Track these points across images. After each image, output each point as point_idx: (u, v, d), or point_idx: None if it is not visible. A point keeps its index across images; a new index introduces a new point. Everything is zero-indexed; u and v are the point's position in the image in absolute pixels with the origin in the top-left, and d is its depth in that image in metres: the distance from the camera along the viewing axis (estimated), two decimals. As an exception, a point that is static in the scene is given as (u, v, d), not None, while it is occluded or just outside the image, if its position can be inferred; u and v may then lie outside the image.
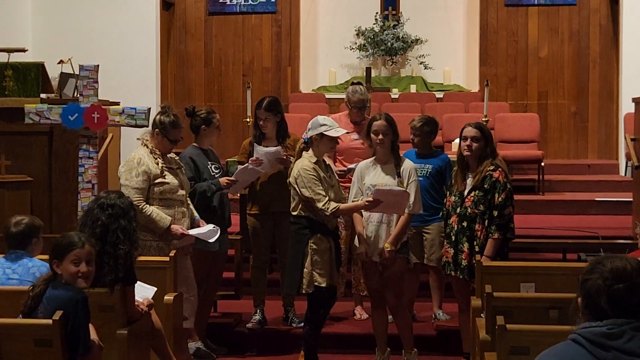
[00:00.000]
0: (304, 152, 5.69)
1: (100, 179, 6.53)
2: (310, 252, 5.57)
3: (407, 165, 5.82)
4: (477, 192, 5.64)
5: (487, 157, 5.68)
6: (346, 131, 6.02)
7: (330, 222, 5.69)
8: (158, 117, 5.77)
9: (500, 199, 5.60)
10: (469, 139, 5.69)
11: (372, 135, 5.76)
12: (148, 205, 5.57)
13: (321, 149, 5.68)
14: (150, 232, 5.59)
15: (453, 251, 5.75)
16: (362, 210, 5.74)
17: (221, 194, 6.27)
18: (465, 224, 5.68)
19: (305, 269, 5.56)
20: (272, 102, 6.57)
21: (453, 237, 5.74)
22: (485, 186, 5.63)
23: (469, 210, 5.66)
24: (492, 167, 5.66)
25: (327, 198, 5.55)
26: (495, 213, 5.59)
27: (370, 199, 5.57)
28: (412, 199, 5.65)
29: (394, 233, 5.71)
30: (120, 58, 11.77)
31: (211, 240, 5.86)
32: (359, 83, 6.95)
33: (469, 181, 5.73)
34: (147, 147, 5.72)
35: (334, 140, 5.70)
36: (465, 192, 5.70)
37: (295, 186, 5.59)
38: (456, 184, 5.78)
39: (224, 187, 6.20)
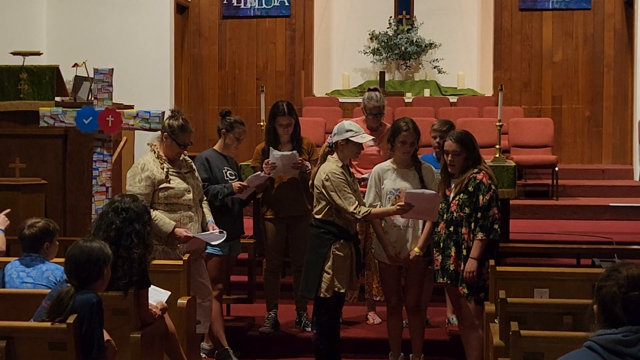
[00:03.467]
0: (329, 156, 5.64)
1: (114, 182, 6.56)
2: (332, 257, 5.50)
3: (428, 168, 5.81)
4: (461, 195, 5.53)
5: (470, 167, 5.56)
6: (372, 137, 5.99)
7: (351, 228, 5.65)
8: (167, 121, 5.76)
9: (484, 200, 5.48)
10: (450, 155, 5.58)
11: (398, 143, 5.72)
12: (151, 210, 5.57)
13: (346, 154, 5.62)
14: (156, 236, 5.59)
15: (441, 257, 5.60)
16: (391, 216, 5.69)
17: (232, 200, 6.29)
18: (452, 228, 5.55)
19: (325, 274, 5.50)
20: (290, 105, 6.59)
21: (441, 244, 5.61)
22: (470, 189, 5.51)
23: (454, 214, 5.54)
24: (475, 170, 5.56)
25: (357, 202, 5.51)
26: (479, 214, 5.48)
27: (402, 203, 5.53)
28: None
29: (423, 237, 5.71)
30: (134, 61, 11.81)
31: (214, 244, 5.85)
32: (375, 89, 6.85)
33: (453, 186, 5.62)
34: (154, 153, 5.73)
35: (360, 146, 5.61)
36: (450, 197, 5.61)
37: (323, 190, 5.51)
38: (441, 190, 5.68)
39: (236, 191, 6.21)
